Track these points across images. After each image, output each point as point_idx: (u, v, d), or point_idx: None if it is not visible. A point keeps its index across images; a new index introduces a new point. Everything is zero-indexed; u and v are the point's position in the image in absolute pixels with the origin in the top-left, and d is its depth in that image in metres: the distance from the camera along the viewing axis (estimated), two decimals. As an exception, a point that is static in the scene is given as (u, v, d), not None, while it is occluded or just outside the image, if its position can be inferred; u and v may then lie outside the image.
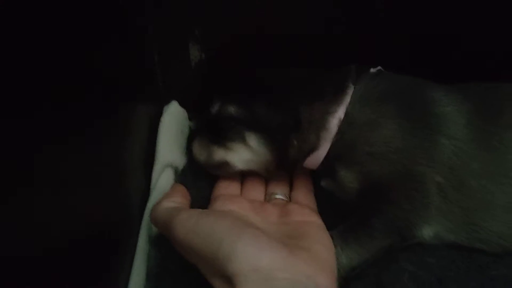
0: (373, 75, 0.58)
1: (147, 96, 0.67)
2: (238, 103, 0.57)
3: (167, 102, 0.68)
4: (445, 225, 0.53)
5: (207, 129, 0.60)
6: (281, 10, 0.65)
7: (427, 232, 0.54)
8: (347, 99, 0.55)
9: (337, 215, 0.56)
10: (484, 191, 0.52)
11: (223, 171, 0.60)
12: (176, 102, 0.68)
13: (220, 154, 0.59)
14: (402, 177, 0.52)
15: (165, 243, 0.57)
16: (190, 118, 0.72)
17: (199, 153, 0.61)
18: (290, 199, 0.61)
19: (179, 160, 0.66)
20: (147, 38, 0.65)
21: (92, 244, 0.46)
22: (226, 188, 0.60)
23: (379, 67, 0.59)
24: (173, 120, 0.66)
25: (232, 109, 0.57)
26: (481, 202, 0.52)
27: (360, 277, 0.53)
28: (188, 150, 0.67)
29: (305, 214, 0.54)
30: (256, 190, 0.61)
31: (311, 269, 0.43)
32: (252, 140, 0.56)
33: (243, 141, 0.57)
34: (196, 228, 0.45)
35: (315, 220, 0.53)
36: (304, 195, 0.60)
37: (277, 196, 0.60)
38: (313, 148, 0.56)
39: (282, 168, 0.59)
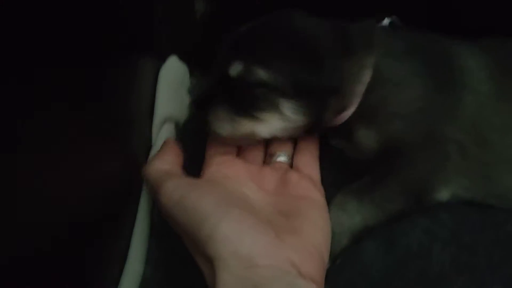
0: (393, 30, 0.56)
1: (149, 50, 0.64)
2: (268, 65, 0.48)
3: (169, 56, 0.65)
4: (462, 183, 0.52)
5: (225, 96, 0.51)
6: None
7: (444, 194, 0.52)
8: (376, 53, 0.52)
9: (346, 172, 0.54)
10: (504, 145, 0.51)
11: (244, 142, 0.54)
12: (176, 56, 0.65)
13: (248, 127, 0.50)
14: (425, 138, 0.50)
15: None
16: (192, 74, 0.69)
17: (220, 126, 0.51)
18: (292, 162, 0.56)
19: (179, 114, 0.63)
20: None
21: (94, 202, 0.46)
22: (224, 146, 0.54)
23: (393, 17, 0.56)
24: (172, 74, 0.64)
25: (262, 74, 0.48)
26: (501, 156, 0.51)
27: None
28: (189, 107, 0.64)
29: (304, 187, 0.50)
30: (256, 150, 0.55)
31: (297, 256, 0.40)
32: (288, 108, 0.49)
33: (277, 110, 0.49)
34: (181, 202, 0.43)
35: (314, 196, 0.49)
36: (307, 161, 0.54)
37: (279, 158, 0.54)
38: (345, 107, 0.52)
39: (309, 132, 0.53)
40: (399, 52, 0.53)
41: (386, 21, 0.57)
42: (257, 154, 0.55)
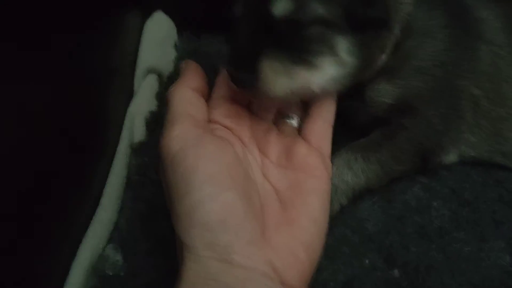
0: None
1: (135, 4, 0.61)
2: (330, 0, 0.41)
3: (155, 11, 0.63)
4: (468, 140, 0.50)
5: (272, 43, 0.41)
6: None
7: (453, 156, 0.50)
8: None
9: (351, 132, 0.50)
10: None
11: (294, 98, 0.44)
12: (162, 11, 0.63)
13: (304, 77, 0.42)
14: (442, 93, 0.48)
15: (148, 152, 0.53)
16: (181, 33, 0.66)
17: (275, 82, 0.41)
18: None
19: (163, 66, 0.60)
20: None
21: (71, 142, 0.43)
22: (232, 102, 0.46)
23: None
24: (157, 28, 0.62)
25: (319, 8, 0.40)
26: (511, 111, 0.50)
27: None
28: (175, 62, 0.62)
29: (311, 164, 0.43)
30: (266, 108, 0.47)
31: (280, 261, 0.35)
32: (344, 49, 0.42)
33: (333, 52, 0.42)
34: (177, 156, 0.37)
35: (320, 175, 0.42)
36: (318, 130, 0.45)
37: (290, 121, 0.47)
38: (385, 48, 0.46)
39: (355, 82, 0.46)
40: (425, 2, 0.50)
41: None
42: (268, 110, 0.47)
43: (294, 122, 0.47)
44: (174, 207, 0.36)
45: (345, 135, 0.49)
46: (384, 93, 0.48)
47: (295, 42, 0.41)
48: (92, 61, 0.47)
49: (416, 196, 0.48)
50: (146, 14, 0.62)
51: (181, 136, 0.38)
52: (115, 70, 0.55)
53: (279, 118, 0.47)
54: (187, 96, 0.42)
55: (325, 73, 0.42)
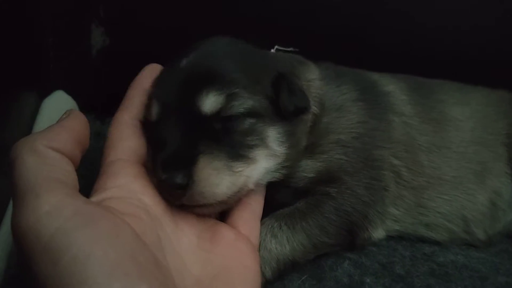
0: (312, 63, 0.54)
1: (33, 83, 0.56)
2: (252, 90, 0.40)
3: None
4: (392, 214, 0.49)
5: (207, 142, 0.38)
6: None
7: (381, 233, 0.48)
8: (316, 74, 0.49)
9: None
10: (432, 166, 0.50)
11: (228, 202, 0.40)
12: (63, 91, 0.60)
13: (245, 174, 0.39)
14: (364, 163, 0.47)
15: None
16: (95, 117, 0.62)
17: (217, 183, 0.37)
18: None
19: None
20: (39, 15, 0.57)
21: None
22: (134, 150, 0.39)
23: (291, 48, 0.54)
24: (55, 106, 0.57)
25: (248, 101, 0.39)
26: (430, 179, 0.50)
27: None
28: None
29: (240, 251, 0.37)
30: None
31: None
32: (273, 139, 0.41)
33: (264, 144, 0.40)
34: (54, 240, 0.27)
35: (249, 266, 0.37)
36: (248, 218, 0.41)
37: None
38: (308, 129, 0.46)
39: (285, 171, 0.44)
40: (332, 77, 0.51)
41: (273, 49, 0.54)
42: None
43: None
44: None
45: (268, 213, 0.45)
46: (306, 167, 0.47)
47: (230, 137, 0.39)
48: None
49: (347, 273, 0.44)
50: (45, 94, 0.58)
51: (55, 212, 0.27)
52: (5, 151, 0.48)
53: None
54: (45, 155, 0.31)
55: (260, 166, 0.41)
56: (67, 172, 0.31)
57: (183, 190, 0.36)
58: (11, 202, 0.45)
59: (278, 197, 0.47)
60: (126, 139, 0.38)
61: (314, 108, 0.46)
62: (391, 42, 0.64)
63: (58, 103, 0.57)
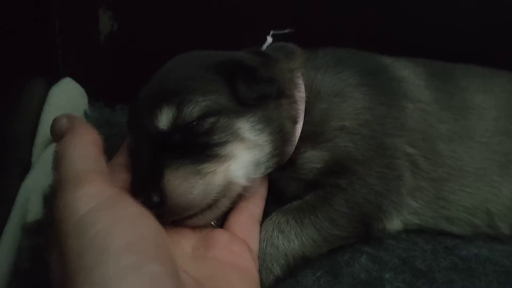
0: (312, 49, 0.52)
1: (42, 71, 0.55)
2: (203, 92, 0.41)
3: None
4: (411, 206, 0.47)
5: (171, 154, 0.39)
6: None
7: (396, 223, 0.46)
8: (301, 64, 0.48)
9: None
10: (453, 156, 0.48)
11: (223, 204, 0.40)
12: (70, 78, 0.58)
13: (219, 174, 0.39)
14: (375, 152, 0.45)
15: (45, 232, 0.43)
16: (93, 103, 0.60)
17: (189, 187, 0.38)
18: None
19: None
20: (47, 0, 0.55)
21: None
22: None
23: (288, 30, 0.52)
24: (63, 95, 0.55)
25: (200, 101, 0.40)
26: (451, 170, 0.47)
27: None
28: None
29: (235, 253, 0.38)
30: None
31: None
32: (246, 128, 0.41)
33: (237, 136, 0.41)
34: (85, 221, 0.29)
35: (245, 267, 0.37)
36: (245, 221, 0.42)
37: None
38: (297, 116, 0.45)
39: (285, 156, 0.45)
40: (327, 66, 0.49)
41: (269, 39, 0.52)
42: None
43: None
44: (75, 286, 0.26)
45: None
46: (312, 158, 0.45)
47: (195, 143, 0.40)
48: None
49: (365, 268, 0.42)
50: (53, 81, 0.56)
51: (90, 195, 0.30)
52: (12, 139, 0.48)
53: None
54: (87, 151, 0.34)
55: (241, 160, 0.41)
56: (102, 165, 0.34)
57: (161, 206, 0.37)
58: (19, 193, 0.45)
59: (291, 192, 0.46)
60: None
61: (299, 94, 0.45)
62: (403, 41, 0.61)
63: (66, 91, 0.56)
